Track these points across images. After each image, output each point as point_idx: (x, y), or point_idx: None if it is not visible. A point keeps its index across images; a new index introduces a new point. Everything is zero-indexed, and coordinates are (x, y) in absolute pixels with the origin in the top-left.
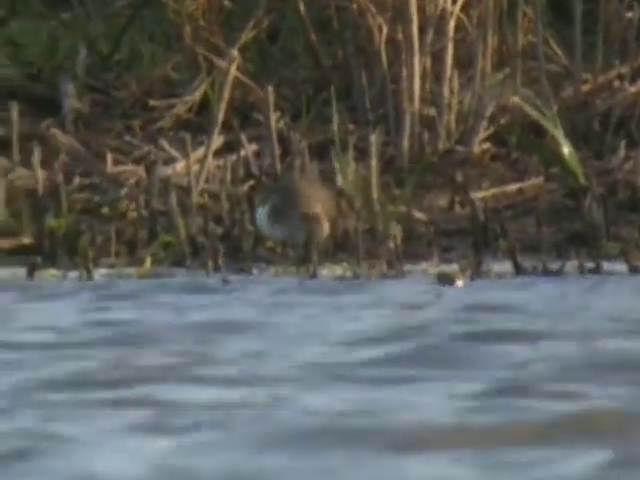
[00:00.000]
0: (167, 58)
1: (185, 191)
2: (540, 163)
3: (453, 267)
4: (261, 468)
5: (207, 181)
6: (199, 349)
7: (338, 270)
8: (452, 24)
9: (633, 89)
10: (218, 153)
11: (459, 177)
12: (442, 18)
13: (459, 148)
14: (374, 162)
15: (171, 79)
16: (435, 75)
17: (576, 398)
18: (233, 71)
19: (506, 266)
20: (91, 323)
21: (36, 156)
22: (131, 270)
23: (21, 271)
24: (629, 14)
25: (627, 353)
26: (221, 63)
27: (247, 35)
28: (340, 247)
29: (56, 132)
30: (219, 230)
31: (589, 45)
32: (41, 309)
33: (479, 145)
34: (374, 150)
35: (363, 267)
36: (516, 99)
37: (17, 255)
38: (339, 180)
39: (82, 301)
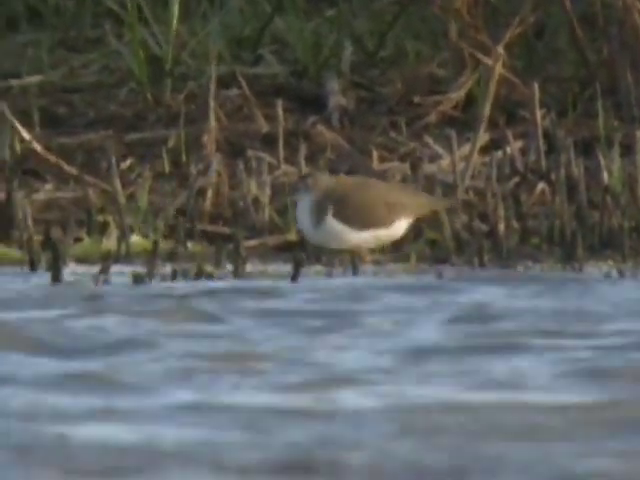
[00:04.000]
0: (432, 55)
1: (450, 188)
2: None
3: None
4: None
5: (472, 178)
6: None
7: (604, 267)
8: None
9: None
10: (483, 150)
11: None
12: None
13: None
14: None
15: (436, 76)
16: None
17: None
18: (499, 68)
19: None
20: None
21: (301, 153)
22: (396, 266)
23: (286, 268)
24: None
25: None
26: (486, 60)
27: (513, 32)
28: (606, 244)
29: (321, 129)
30: (484, 227)
31: None
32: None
33: None
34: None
35: (628, 264)
36: None
37: (283, 252)
38: (604, 177)
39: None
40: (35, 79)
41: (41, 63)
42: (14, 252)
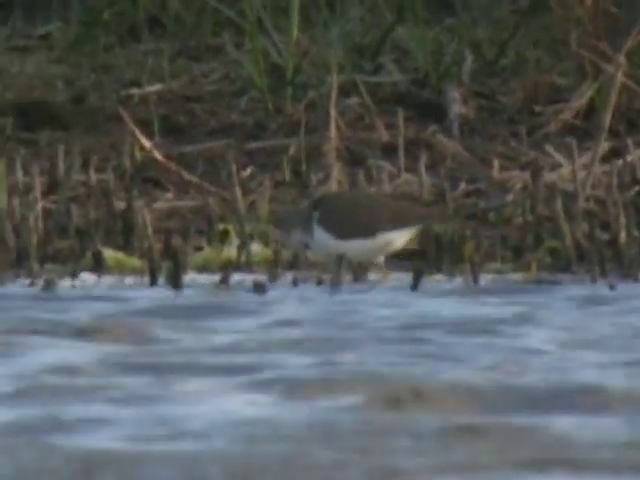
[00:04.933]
0: (553, 64)
1: (571, 197)
2: None
3: None
4: None
5: (593, 187)
6: None
7: None
8: None
9: None
10: (604, 158)
11: None
12: None
13: None
14: None
15: (557, 85)
16: None
17: None
18: (620, 76)
19: None
20: None
21: (422, 162)
22: (517, 275)
23: (407, 277)
24: None
25: None
26: (607, 68)
27: (634, 40)
28: None
29: (442, 138)
30: (605, 236)
31: None
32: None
33: None
34: None
35: None
36: None
37: (403, 260)
38: None
39: None
40: (156, 88)
41: (162, 72)
42: (134, 261)
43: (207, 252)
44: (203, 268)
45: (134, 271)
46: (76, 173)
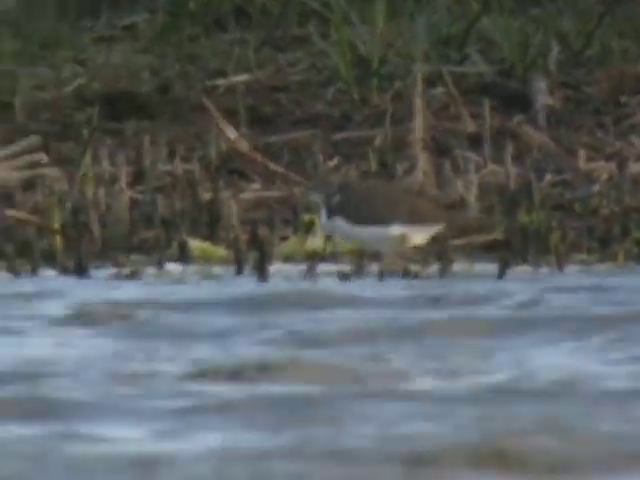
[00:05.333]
0: (639, 54)
1: None
2: None
3: None
4: None
5: None
6: None
7: None
8: None
9: None
10: None
11: None
12: None
13: None
14: None
15: None
16: None
17: None
18: None
19: None
20: None
21: (508, 152)
22: (603, 266)
23: (492, 267)
24: None
25: None
26: None
27: None
28: None
29: (528, 128)
30: None
31: None
32: None
33: None
34: None
35: None
36: None
37: (489, 251)
38: None
39: None
40: (242, 78)
41: (248, 62)
42: (221, 251)
43: (293, 242)
44: (288, 258)
45: (219, 261)
46: (162, 163)
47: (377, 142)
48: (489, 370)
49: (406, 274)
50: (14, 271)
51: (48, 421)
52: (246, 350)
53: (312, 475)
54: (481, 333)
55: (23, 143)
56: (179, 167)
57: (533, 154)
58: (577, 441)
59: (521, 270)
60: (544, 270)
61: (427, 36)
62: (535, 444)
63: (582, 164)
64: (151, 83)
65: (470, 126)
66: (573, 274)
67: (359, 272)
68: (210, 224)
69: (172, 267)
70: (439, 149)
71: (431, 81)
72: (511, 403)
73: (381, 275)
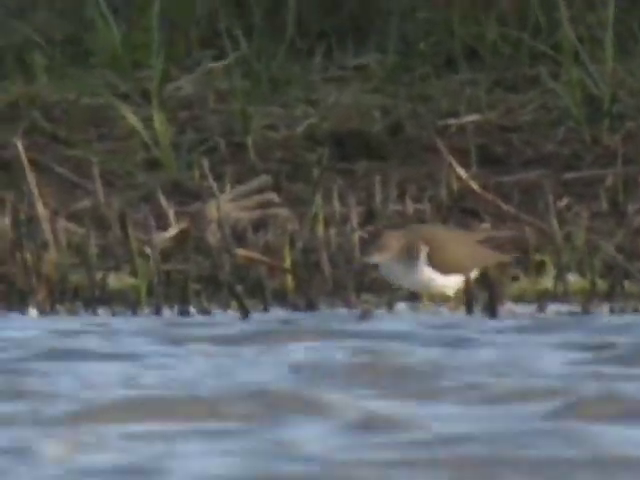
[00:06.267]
0: None
1: None
2: None
3: None
4: None
5: None
6: None
7: None
8: None
9: None
10: None
11: None
12: None
13: None
14: None
15: None
16: None
17: None
18: None
19: None
20: None
21: None
22: None
23: None
24: None
25: None
26: None
27: None
28: None
29: None
30: None
31: None
32: None
33: None
34: None
35: None
36: None
37: None
38: None
39: None
40: (473, 118)
41: (479, 102)
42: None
43: (523, 282)
44: (519, 298)
45: (446, 300)
46: (392, 203)
47: (608, 182)
48: None
49: (636, 311)
50: (244, 310)
51: None
52: None
53: None
54: None
55: (254, 183)
56: (410, 207)
57: None
58: None
59: None
60: None
61: None
62: None
63: None
64: (382, 123)
65: None
66: None
67: (588, 311)
68: None
69: (401, 307)
70: None
71: None
72: None
73: (612, 311)
